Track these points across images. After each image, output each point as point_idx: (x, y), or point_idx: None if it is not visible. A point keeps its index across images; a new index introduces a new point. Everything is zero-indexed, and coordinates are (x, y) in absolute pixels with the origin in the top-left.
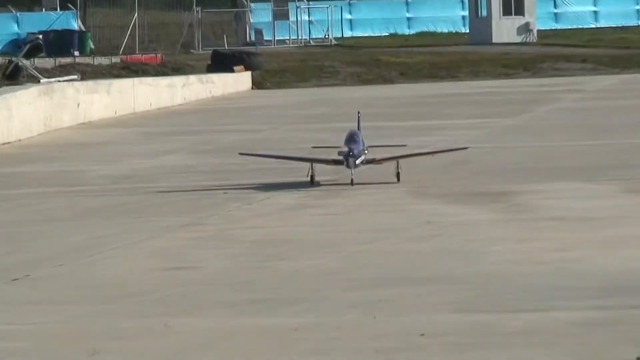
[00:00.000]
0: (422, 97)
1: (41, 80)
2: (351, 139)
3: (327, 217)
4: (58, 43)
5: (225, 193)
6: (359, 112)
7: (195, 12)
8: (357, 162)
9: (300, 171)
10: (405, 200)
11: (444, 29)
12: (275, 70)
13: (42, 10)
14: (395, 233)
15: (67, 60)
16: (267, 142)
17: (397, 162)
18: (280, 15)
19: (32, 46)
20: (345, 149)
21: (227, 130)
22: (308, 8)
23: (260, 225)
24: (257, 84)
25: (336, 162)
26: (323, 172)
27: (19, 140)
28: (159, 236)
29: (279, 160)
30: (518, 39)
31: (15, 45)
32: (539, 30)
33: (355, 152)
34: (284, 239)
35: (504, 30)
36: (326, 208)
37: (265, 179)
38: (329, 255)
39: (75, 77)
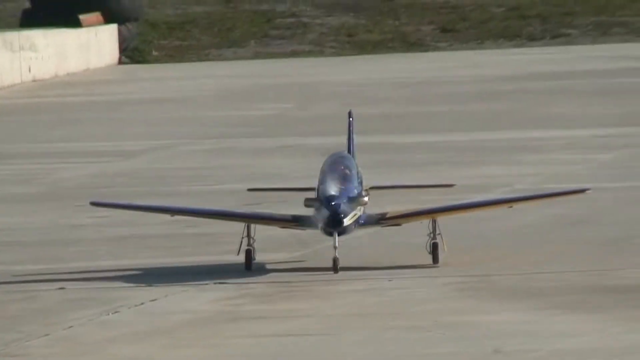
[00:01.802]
0: (489, 81)
1: None
2: (335, 172)
3: (284, 342)
4: None
5: (61, 289)
6: (350, 114)
7: None
8: (347, 220)
9: (225, 240)
10: (451, 304)
11: None
12: (171, 22)
13: None
14: None
15: None
16: (148, 178)
17: (433, 223)
18: None
19: None
20: (324, 193)
21: (67, 154)
22: None
23: (133, 359)
24: (131, 52)
25: (298, 223)
26: (272, 244)
27: None
28: None
29: (174, 218)
30: None
31: None
32: None
33: (342, 199)
34: None
35: None
36: (281, 322)
37: (150, 258)
38: None
39: None
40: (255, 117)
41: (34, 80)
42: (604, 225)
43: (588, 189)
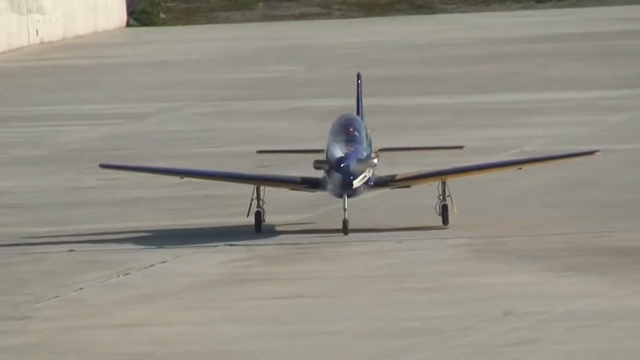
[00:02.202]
0: (497, 43)
1: None
2: (344, 134)
3: (291, 305)
4: None
5: (71, 251)
6: (359, 76)
7: None
8: (356, 182)
9: (234, 202)
10: (461, 265)
11: None
12: None
13: None
14: (439, 337)
15: None
16: (156, 140)
17: (443, 185)
18: None
19: None
20: (334, 155)
21: (73, 116)
22: None
23: (141, 321)
24: (138, 15)
25: (309, 185)
26: (281, 206)
27: None
28: None
29: (184, 180)
30: None
31: None
32: None
33: (352, 161)
34: (194, 355)
35: None
36: (289, 284)
37: (159, 220)
38: None
39: None
40: (264, 79)
41: (41, 43)
42: (612, 187)
43: (597, 151)
